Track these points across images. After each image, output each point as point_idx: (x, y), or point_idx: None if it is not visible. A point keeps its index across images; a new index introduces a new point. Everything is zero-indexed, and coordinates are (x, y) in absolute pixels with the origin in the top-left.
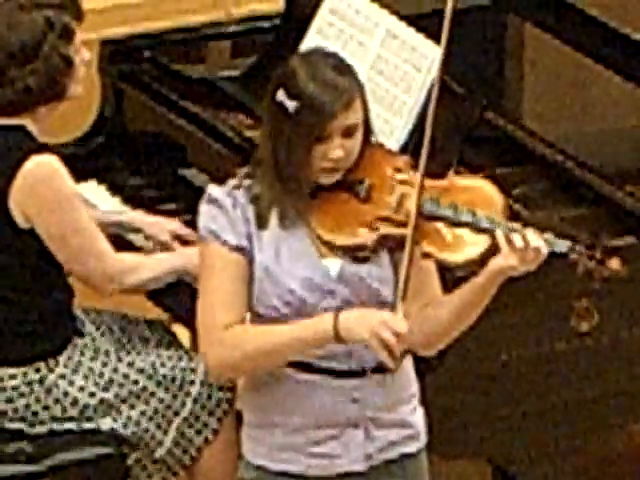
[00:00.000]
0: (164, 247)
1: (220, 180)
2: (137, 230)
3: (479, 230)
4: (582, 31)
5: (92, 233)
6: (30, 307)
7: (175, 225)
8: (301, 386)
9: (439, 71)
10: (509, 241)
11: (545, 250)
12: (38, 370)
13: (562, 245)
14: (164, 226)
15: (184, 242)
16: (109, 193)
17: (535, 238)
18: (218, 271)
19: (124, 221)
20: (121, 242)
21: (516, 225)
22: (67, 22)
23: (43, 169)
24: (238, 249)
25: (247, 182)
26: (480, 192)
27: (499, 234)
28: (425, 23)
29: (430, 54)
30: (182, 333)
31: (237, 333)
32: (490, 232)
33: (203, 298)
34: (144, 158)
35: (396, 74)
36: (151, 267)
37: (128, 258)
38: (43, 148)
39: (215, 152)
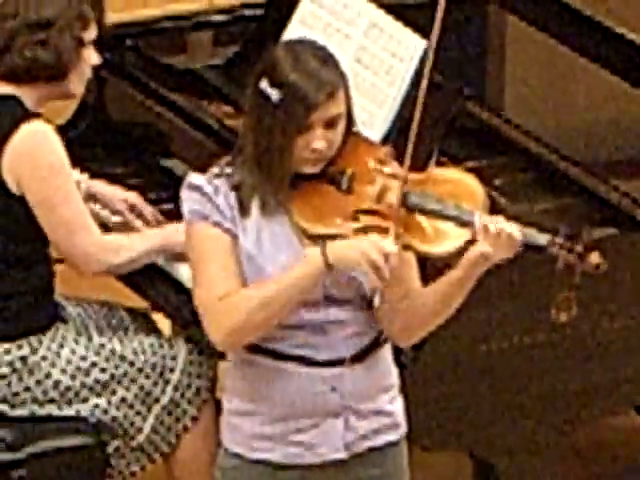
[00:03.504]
0: (121, 217)
1: (202, 169)
2: (94, 198)
3: (457, 221)
4: (564, 23)
5: (80, 206)
6: (14, 280)
7: (131, 195)
8: (280, 375)
9: (429, 68)
10: (484, 229)
11: (518, 234)
12: (20, 347)
13: (542, 239)
14: (120, 195)
15: (141, 217)
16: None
17: (508, 225)
18: (207, 249)
19: (83, 188)
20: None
21: (491, 216)
22: (85, 9)
23: (37, 136)
24: (224, 229)
25: (228, 170)
26: (460, 184)
27: (475, 222)
28: (407, 13)
29: (413, 45)
30: (162, 322)
31: (236, 298)
32: (467, 222)
33: (197, 277)
34: (126, 147)
35: (379, 65)
36: (132, 246)
37: (111, 238)
38: (37, 116)
39: (197, 141)
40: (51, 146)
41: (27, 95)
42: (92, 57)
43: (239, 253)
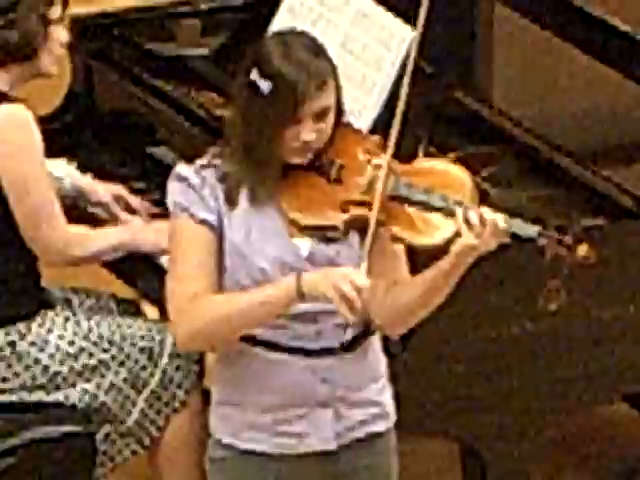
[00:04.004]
0: (110, 212)
1: (190, 159)
2: (82, 193)
3: (443, 212)
4: (552, 11)
5: (51, 192)
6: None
7: (119, 188)
8: (270, 365)
9: (414, 56)
10: (466, 221)
11: (503, 225)
12: (8, 333)
13: (530, 231)
14: (107, 188)
15: (130, 209)
16: (79, 171)
17: (493, 215)
18: (186, 243)
19: (70, 183)
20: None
21: (475, 207)
22: None
23: (12, 118)
24: (206, 223)
25: (216, 161)
26: (448, 175)
27: (458, 213)
28: (396, 2)
29: (400, 33)
30: (150, 311)
31: (204, 302)
32: (452, 214)
33: (172, 270)
34: (114, 136)
35: (366, 53)
36: (98, 240)
37: (76, 230)
38: (10, 98)
39: (185, 130)
40: (27, 129)
41: (0, 78)
42: (61, 35)
43: (224, 247)
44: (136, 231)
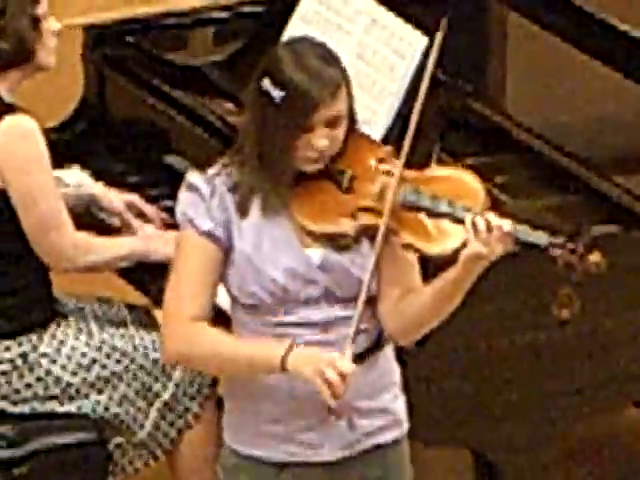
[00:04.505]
0: (123, 220)
1: (203, 166)
2: (95, 200)
3: (451, 219)
4: (566, 19)
5: (57, 202)
6: (10, 277)
7: (133, 197)
8: (283, 374)
9: (431, 67)
10: (473, 227)
11: (509, 229)
12: (21, 344)
13: (542, 239)
14: (120, 196)
15: (143, 217)
16: (92, 179)
17: (497, 219)
18: (189, 259)
19: (83, 191)
20: (88, 219)
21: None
22: None
23: (18, 129)
24: (210, 236)
25: (228, 170)
26: (460, 182)
27: (467, 220)
28: (409, 10)
29: (414, 42)
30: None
31: (196, 331)
32: (460, 221)
33: (171, 284)
34: (127, 144)
35: (380, 62)
36: (108, 249)
37: (86, 237)
38: (14, 108)
39: (198, 138)
40: (32, 140)
41: (1, 86)
42: (52, 25)
43: (234, 258)
44: (148, 240)
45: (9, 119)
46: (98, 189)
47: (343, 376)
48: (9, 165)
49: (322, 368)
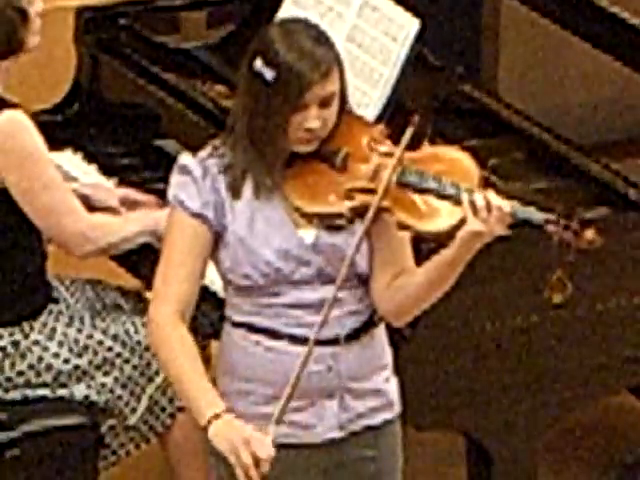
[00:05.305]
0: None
1: (195, 149)
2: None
3: (449, 199)
4: (559, 3)
5: (62, 189)
6: (4, 270)
7: (125, 191)
8: (275, 354)
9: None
10: (472, 206)
11: (508, 208)
12: (12, 332)
13: (538, 215)
14: (113, 191)
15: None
16: (85, 162)
17: (497, 199)
18: (178, 241)
19: (80, 185)
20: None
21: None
22: None
23: (10, 124)
24: (201, 217)
25: (220, 151)
26: (455, 162)
27: (464, 199)
28: None
29: (406, 24)
30: None
31: (166, 332)
32: (458, 200)
33: (161, 266)
34: (119, 127)
35: (373, 45)
36: (123, 226)
37: (100, 217)
38: (7, 103)
39: (191, 121)
40: (26, 135)
41: None
42: (37, 7)
43: (227, 239)
44: (159, 217)
45: (2, 115)
46: (90, 188)
47: (257, 463)
48: (4, 162)
49: (239, 449)
